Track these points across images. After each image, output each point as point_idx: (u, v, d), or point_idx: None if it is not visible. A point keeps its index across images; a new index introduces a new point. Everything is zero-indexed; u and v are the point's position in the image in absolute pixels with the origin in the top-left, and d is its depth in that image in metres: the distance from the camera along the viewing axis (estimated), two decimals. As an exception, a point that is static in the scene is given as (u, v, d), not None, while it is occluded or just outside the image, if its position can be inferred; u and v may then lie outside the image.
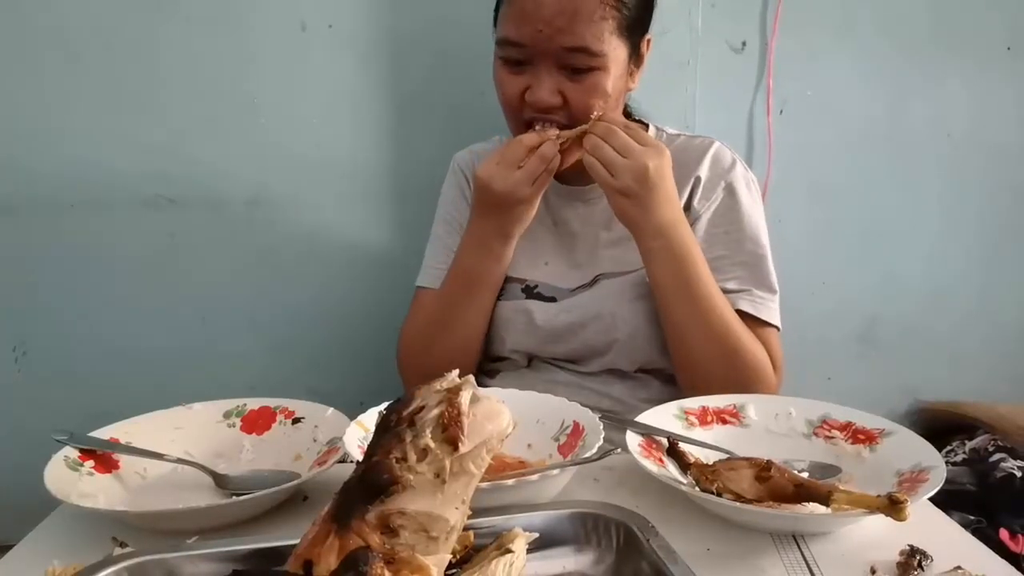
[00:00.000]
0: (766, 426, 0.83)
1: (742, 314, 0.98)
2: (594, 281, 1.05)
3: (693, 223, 1.02)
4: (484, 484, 0.61)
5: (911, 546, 0.62)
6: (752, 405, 0.85)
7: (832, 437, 0.81)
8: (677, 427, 0.82)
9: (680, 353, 0.97)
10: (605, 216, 1.04)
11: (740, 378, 0.93)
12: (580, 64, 0.92)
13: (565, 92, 0.93)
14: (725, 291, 0.98)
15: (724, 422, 0.84)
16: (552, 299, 1.05)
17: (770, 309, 1.01)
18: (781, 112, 1.45)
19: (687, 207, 1.03)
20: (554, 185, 1.08)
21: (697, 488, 0.69)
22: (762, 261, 1.02)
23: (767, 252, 1.03)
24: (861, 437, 0.79)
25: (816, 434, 0.82)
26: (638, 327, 1.01)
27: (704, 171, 1.04)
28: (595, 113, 0.93)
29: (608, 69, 0.93)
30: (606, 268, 1.04)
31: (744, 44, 1.43)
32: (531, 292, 1.06)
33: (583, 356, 1.05)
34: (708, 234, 1.03)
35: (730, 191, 1.03)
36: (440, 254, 1.12)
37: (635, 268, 1.01)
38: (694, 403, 0.85)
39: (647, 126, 1.11)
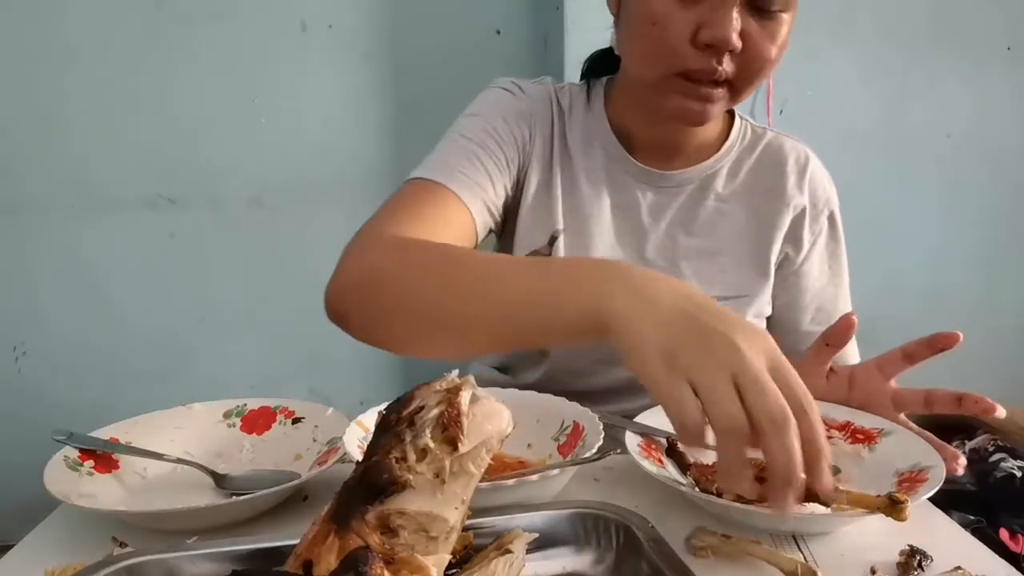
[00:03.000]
0: (766, 426, 0.83)
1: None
2: None
3: (803, 261, 0.93)
4: (484, 484, 0.60)
5: (911, 546, 0.62)
6: (752, 405, 0.85)
7: (831, 437, 0.80)
8: (677, 427, 0.82)
9: None
10: (684, 215, 0.89)
11: None
12: (770, 4, 0.74)
13: (745, 37, 0.74)
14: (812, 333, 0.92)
15: (724, 422, 0.84)
16: None
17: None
18: (781, 112, 1.45)
19: (796, 238, 0.92)
20: (624, 160, 0.88)
21: (697, 488, 0.69)
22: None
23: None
24: (860, 437, 0.79)
25: (816, 434, 0.81)
26: None
27: (806, 199, 0.93)
28: None
29: (792, 14, 0.77)
30: None
31: (744, 44, 1.42)
32: None
33: (620, 389, 0.91)
34: (818, 270, 0.95)
35: (832, 223, 0.96)
36: (464, 160, 0.84)
37: (723, 296, 0.86)
38: (694, 403, 0.85)
39: (732, 115, 0.96)
